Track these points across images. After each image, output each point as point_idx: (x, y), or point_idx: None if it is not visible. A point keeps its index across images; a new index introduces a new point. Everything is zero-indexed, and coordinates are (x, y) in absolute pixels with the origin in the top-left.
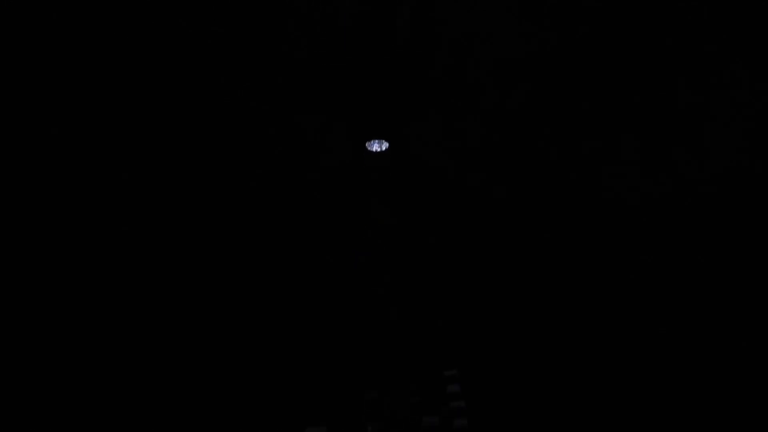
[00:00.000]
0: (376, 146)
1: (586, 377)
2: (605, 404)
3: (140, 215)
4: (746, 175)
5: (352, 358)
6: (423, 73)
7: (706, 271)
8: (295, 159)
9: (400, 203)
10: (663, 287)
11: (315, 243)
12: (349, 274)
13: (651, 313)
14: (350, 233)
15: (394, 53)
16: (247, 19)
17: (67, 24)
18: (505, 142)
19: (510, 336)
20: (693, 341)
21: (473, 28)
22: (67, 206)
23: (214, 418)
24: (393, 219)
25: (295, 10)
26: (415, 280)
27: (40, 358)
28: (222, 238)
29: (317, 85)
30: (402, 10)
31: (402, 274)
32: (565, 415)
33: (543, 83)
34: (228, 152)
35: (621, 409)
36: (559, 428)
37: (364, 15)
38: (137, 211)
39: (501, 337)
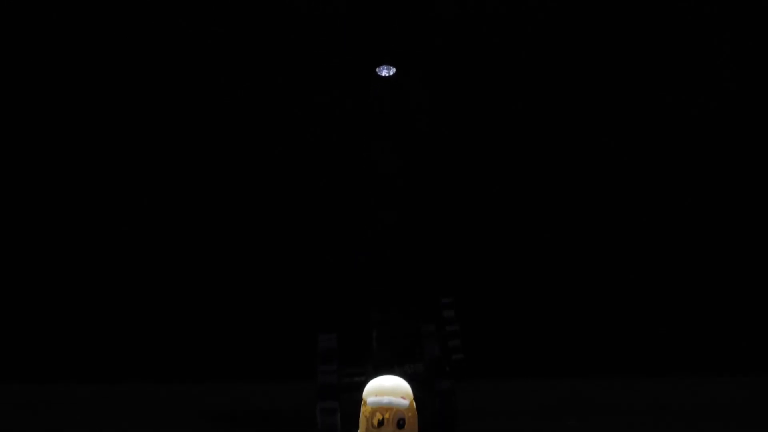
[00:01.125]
0: (385, 71)
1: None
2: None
3: (140, 215)
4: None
5: (359, 283)
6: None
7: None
8: (295, 160)
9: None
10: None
11: (315, 243)
12: (349, 274)
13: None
14: (350, 233)
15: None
16: (247, 19)
17: (67, 24)
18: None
19: (505, 267)
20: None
21: None
22: (68, 205)
23: (228, 332)
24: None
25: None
26: (416, 215)
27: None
28: (222, 235)
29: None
30: None
31: (403, 212)
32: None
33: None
34: (228, 151)
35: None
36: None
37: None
38: (137, 210)
39: (496, 267)
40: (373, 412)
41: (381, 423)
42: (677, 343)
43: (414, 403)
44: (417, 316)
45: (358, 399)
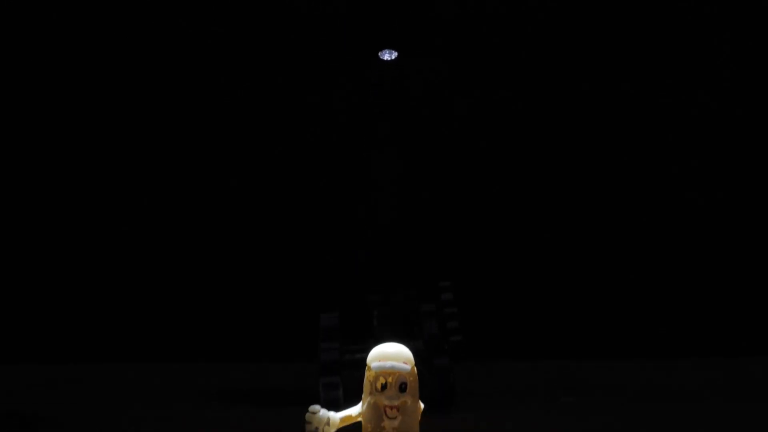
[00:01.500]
0: (387, 56)
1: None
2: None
3: (140, 214)
4: None
5: (360, 266)
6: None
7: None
8: (295, 161)
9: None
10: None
11: (315, 242)
12: (350, 273)
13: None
14: (350, 233)
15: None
16: (247, 19)
17: (68, 24)
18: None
19: (502, 255)
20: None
21: None
22: (68, 202)
23: (234, 315)
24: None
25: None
26: (416, 201)
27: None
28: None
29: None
30: None
31: (404, 198)
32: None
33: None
34: (228, 151)
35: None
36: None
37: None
38: (137, 210)
39: (493, 255)
40: (377, 376)
41: (384, 387)
42: (666, 328)
43: (415, 368)
44: (416, 298)
45: (360, 376)
